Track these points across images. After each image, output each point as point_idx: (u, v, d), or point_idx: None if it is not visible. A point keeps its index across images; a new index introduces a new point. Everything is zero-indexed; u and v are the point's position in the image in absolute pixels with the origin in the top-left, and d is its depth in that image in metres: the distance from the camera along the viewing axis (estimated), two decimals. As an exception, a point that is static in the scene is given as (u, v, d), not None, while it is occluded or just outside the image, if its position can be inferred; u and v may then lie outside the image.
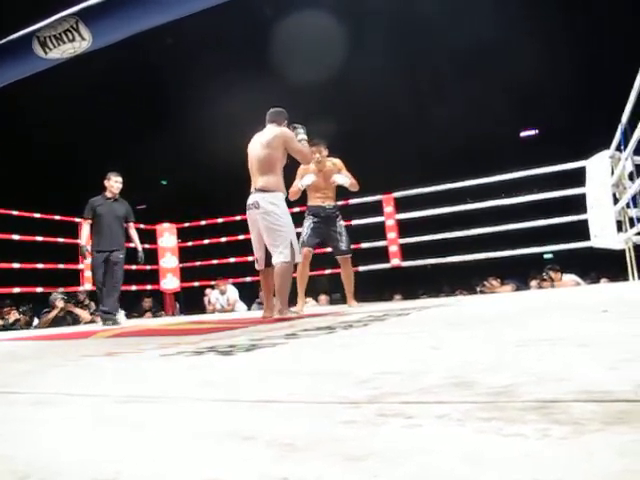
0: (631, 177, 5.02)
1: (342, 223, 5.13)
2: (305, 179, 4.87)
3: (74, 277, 7.05)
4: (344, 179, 4.98)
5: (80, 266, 6.85)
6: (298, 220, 5.74)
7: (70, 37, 2.72)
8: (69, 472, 0.65)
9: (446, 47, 13.20)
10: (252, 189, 4.08)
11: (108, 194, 5.86)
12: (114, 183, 5.84)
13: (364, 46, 12.68)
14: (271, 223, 3.95)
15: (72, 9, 2.72)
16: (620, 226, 5.32)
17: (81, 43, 2.73)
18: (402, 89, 13.35)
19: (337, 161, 5.14)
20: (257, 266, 4.22)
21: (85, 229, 5.90)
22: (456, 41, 13.01)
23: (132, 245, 6.09)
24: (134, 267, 7.84)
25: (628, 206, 5.16)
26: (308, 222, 5.08)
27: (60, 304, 6.72)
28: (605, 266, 7.82)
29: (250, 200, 4.05)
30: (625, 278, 5.58)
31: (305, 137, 4.31)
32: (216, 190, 13.87)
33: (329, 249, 5.33)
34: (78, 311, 6.91)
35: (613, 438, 0.59)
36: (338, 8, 12.15)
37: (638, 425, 0.62)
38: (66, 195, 12.25)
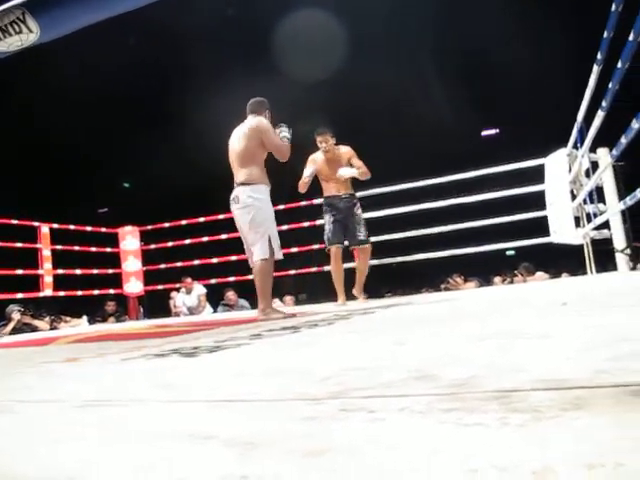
0: (587, 174, 5.15)
1: (360, 211, 4.97)
2: (305, 170, 4.72)
3: (33, 283, 6.87)
4: (350, 171, 4.78)
5: (40, 271, 6.68)
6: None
7: (17, 29, 2.62)
8: (24, 476, 0.62)
9: (411, 49, 13.33)
10: (235, 184, 3.92)
11: None
12: None
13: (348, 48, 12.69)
14: (249, 218, 3.78)
15: (18, 0, 2.62)
16: (578, 222, 5.45)
17: (28, 35, 2.64)
18: (368, 89, 13.41)
19: (347, 149, 4.94)
20: (250, 263, 3.98)
21: None
22: (420, 43, 13.16)
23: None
24: (95, 271, 7.72)
25: (585, 202, 5.29)
26: (327, 217, 4.94)
27: (16, 316, 6.55)
28: (565, 261, 8.02)
29: (232, 195, 3.90)
30: (584, 272, 5.73)
31: (288, 136, 4.00)
32: (182, 193, 13.68)
33: (294, 249, 5.30)
34: (36, 322, 6.75)
35: (569, 423, 0.60)
36: (337, 6, 12.13)
37: (593, 410, 0.63)
38: (22, 198, 11.96)
